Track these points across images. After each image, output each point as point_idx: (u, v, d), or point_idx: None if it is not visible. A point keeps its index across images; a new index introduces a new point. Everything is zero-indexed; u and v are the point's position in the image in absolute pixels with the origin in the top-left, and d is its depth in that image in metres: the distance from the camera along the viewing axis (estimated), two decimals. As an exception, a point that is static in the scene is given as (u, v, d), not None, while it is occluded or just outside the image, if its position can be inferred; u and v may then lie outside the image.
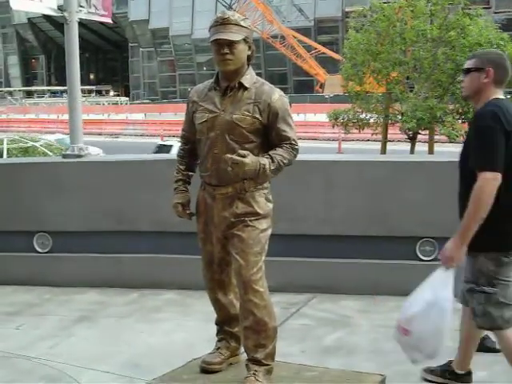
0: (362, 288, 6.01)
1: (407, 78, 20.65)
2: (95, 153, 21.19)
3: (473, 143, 3.65)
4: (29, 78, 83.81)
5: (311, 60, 54.51)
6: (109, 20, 8.53)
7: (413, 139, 20.65)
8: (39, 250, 6.83)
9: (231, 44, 3.64)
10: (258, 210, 3.77)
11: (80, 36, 7.36)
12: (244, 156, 3.55)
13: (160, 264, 6.48)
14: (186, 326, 5.50)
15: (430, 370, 4.24)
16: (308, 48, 54.92)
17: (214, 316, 4.16)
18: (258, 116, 3.70)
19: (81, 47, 7.40)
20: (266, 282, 3.79)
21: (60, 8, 7.11)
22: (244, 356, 3.96)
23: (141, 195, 6.44)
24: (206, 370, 3.99)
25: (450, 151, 12.96)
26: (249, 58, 3.78)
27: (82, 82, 8.24)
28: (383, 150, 21.78)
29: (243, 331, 3.83)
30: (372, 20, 20.70)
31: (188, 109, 3.96)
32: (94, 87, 76.27)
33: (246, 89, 3.74)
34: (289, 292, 6.01)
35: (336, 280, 6.09)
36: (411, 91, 20.45)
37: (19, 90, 78.27)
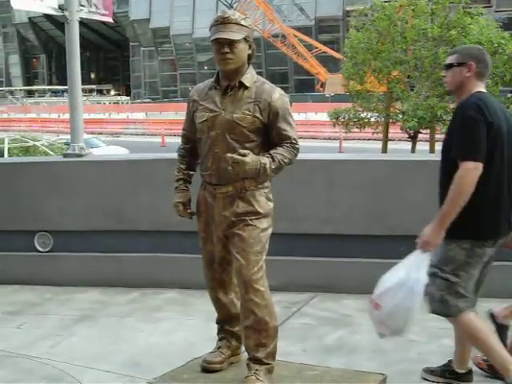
0: (364, 287, 5.96)
1: (408, 77, 20.66)
2: (121, 153, 21.14)
3: (455, 133, 3.73)
4: (30, 78, 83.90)
5: (312, 59, 54.55)
6: (110, 19, 8.52)
7: (414, 138, 20.68)
8: (40, 249, 6.83)
9: (231, 43, 3.64)
10: (259, 209, 3.76)
11: (81, 35, 7.35)
12: (244, 155, 3.55)
13: (161, 263, 6.48)
14: (186, 325, 5.49)
15: (430, 371, 4.23)
16: (309, 47, 54.97)
17: (215, 315, 4.16)
18: (258, 115, 3.70)
19: (82, 46, 7.40)
20: (266, 281, 3.79)
21: (61, 7, 7.10)
22: (245, 355, 3.96)
23: (141, 194, 6.44)
24: (207, 369, 3.99)
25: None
26: (249, 57, 3.78)
27: (83, 82, 8.24)
28: (384, 149, 21.80)
29: (244, 330, 3.83)
30: (373, 19, 20.71)
31: (188, 108, 3.96)
32: (94, 86, 76.33)
33: (246, 88, 3.74)
34: (290, 291, 6.01)
35: (337, 279, 6.08)
36: (412, 90, 20.46)
37: (20, 90, 78.38)
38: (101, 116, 50.68)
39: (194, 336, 5.11)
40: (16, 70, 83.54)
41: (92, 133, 35.50)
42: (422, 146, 21.49)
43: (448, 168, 3.73)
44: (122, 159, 7.36)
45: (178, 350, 4.74)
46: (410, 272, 3.71)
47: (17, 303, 6.20)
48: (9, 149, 18.93)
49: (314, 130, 36.41)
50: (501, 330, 4.29)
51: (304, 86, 57.69)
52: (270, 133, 3.74)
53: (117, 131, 44.29)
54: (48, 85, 79.47)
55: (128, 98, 70.40)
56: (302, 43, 54.63)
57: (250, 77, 3.77)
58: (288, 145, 3.73)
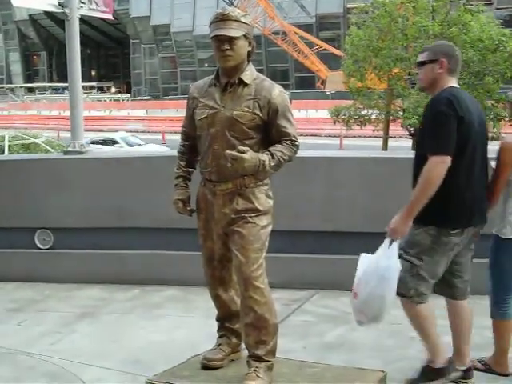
0: (364, 284, 6.00)
1: (409, 74, 20.66)
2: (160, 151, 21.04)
3: (426, 128, 3.83)
4: (30, 75, 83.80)
5: (313, 56, 54.49)
6: (110, 16, 8.53)
7: (414, 135, 20.66)
8: (40, 246, 6.84)
9: (231, 40, 3.64)
10: (259, 207, 3.76)
11: (81, 32, 7.36)
12: (243, 152, 3.55)
13: (161, 260, 6.49)
14: (187, 322, 5.50)
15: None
16: (310, 44, 54.89)
17: (215, 312, 4.16)
18: (258, 112, 3.69)
19: (82, 43, 7.40)
20: (266, 278, 3.79)
21: (61, 4, 7.10)
22: (245, 352, 3.96)
23: (142, 192, 6.44)
24: (207, 366, 3.99)
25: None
26: (249, 54, 3.77)
27: (84, 79, 8.25)
28: (385, 147, 21.82)
29: (244, 328, 3.83)
30: (374, 16, 20.73)
31: (188, 105, 3.96)
32: (95, 84, 76.20)
33: (246, 85, 3.73)
34: (290, 288, 6.01)
35: (338, 276, 6.07)
36: (413, 87, 20.46)
37: (20, 87, 78.34)
38: (101, 113, 50.65)
39: (194, 333, 5.12)
40: (16, 68, 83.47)
41: (92, 130, 35.52)
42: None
43: (420, 161, 3.82)
44: (123, 156, 7.36)
45: (178, 347, 4.74)
46: (380, 260, 3.83)
47: (17, 300, 6.21)
48: (9, 146, 18.92)
49: (315, 128, 36.37)
50: None
51: (305, 84, 57.63)
52: (269, 130, 3.74)
53: (117, 128, 44.25)
54: (48, 82, 79.38)
55: (128, 95, 70.35)
56: (302, 40, 54.56)
57: (249, 74, 3.76)
58: (287, 142, 3.73)
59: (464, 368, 4.12)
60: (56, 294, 6.38)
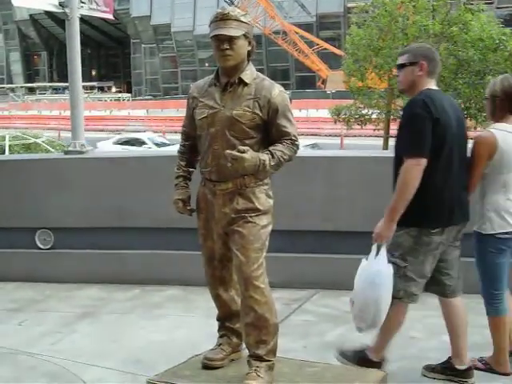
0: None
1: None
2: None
3: (402, 130, 3.91)
4: (31, 75, 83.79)
5: (313, 56, 54.46)
6: (110, 16, 8.53)
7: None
8: (41, 246, 6.84)
9: (231, 40, 3.63)
10: (259, 206, 3.76)
11: (81, 32, 7.36)
12: (244, 152, 3.55)
13: (162, 260, 6.49)
14: (187, 321, 5.50)
15: (430, 368, 4.25)
16: (310, 44, 54.86)
17: (216, 312, 4.16)
18: (258, 112, 3.69)
19: (82, 43, 7.41)
20: (266, 278, 3.79)
21: (61, 4, 7.10)
22: (246, 352, 3.95)
23: (142, 191, 6.44)
24: (208, 366, 3.98)
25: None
26: (249, 53, 3.76)
27: (84, 79, 8.25)
28: (385, 146, 21.79)
29: (244, 327, 3.83)
30: (374, 15, 20.72)
31: (188, 105, 3.95)
32: (95, 83, 76.21)
33: (246, 84, 3.73)
34: (291, 288, 6.01)
35: (338, 276, 6.07)
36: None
37: (21, 87, 78.34)
38: (102, 113, 50.66)
39: (194, 333, 5.12)
40: (17, 68, 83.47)
41: (93, 130, 35.52)
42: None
43: (398, 164, 3.88)
44: (123, 156, 7.37)
45: (178, 347, 4.75)
46: (371, 266, 3.90)
47: (18, 300, 6.21)
48: (10, 146, 18.92)
49: (316, 127, 36.36)
50: None
51: (305, 83, 57.61)
52: (269, 129, 3.73)
53: (118, 128, 44.26)
54: (49, 82, 79.39)
55: (129, 95, 70.33)
56: (303, 40, 54.53)
57: (249, 73, 3.76)
58: (288, 141, 3.72)
59: (464, 367, 4.13)
60: (56, 293, 6.38)
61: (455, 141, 3.90)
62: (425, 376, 4.23)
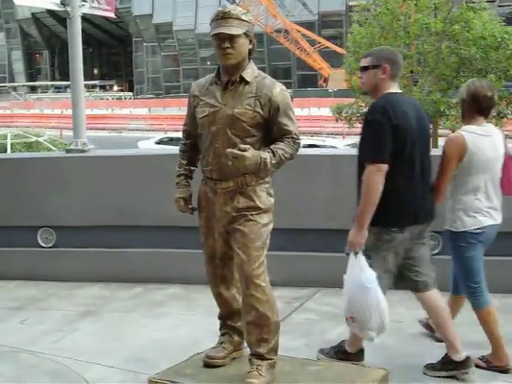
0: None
1: (411, 71, 20.60)
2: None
3: (363, 136, 4.00)
4: (32, 73, 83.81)
5: (315, 54, 54.44)
6: (112, 14, 8.54)
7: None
8: (43, 244, 6.85)
9: (232, 38, 3.63)
10: (260, 205, 3.76)
11: (83, 31, 7.36)
12: (245, 150, 3.55)
13: (163, 258, 6.49)
14: (189, 320, 5.51)
15: (431, 367, 4.26)
16: (312, 42, 54.84)
17: (218, 310, 4.17)
18: (259, 110, 3.69)
19: (84, 42, 7.41)
20: (268, 276, 3.79)
21: (63, 3, 7.11)
22: (247, 350, 3.96)
23: (144, 190, 6.44)
24: (210, 364, 3.99)
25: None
26: (250, 51, 3.76)
27: (86, 77, 8.25)
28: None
29: (246, 326, 3.83)
30: (375, 14, 20.67)
31: (189, 103, 3.95)
32: (97, 82, 76.25)
33: (247, 83, 3.73)
34: (292, 286, 6.01)
35: (340, 274, 6.03)
36: (415, 85, 20.41)
37: (23, 85, 78.33)
38: (104, 112, 50.66)
39: (196, 331, 5.12)
40: (19, 66, 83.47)
41: (95, 129, 35.52)
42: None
43: (361, 169, 3.97)
44: (125, 154, 7.36)
45: (180, 345, 4.75)
46: (355, 276, 3.95)
47: (20, 299, 6.22)
48: (12, 144, 18.93)
49: (317, 125, 36.33)
50: None
51: (307, 81, 57.59)
52: (270, 128, 3.74)
53: (120, 127, 44.28)
54: (51, 80, 79.38)
55: (131, 93, 70.35)
56: (305, 38, 54.51)
57: (250, 72, 3.76)
58: (289, 139, 3.72)
59: (462, 358, 4.13)
60: (58, 292, 6.39)
61: (417, 144, 3.99)
62: (425, 374, 4.24)
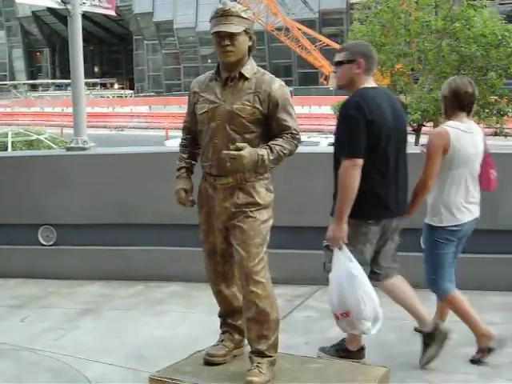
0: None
1: (412, 69, 20.62)
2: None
3: (338, 131, 4.03)
4: (33, 72, 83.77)
5: (316, 52, 54.33)
6: (112, 12, 8.54)
7: (417, 131, 20.64)
8: (44, 242, 6.85)
9: (232, 36, 3.63)
10: (259, 201, 3.76)
11: (84, 29, 7.36)
12: (241, 149, 3.55)
13: (164, 256, 6.49)
14: (190, 318, 5.51)
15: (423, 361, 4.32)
16: (313, 40, 54.72)
17: (218, 308, 4.17)
18: (258, 106, 3.69)
19: (85, 40, 7.41)
20: (268, 272, 3.79)
21: (63, 1, 7.10)
22: (248, 348, 3.96)
23: (145, 188, 6.45)
24: (210, 362, 3.99)
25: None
26: (250, 48, 3.77)
27: (87, 75, 8.26)
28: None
29: (246, 322, 3.84)
30: (376, 12, 20.67)
31: (189, 100, 3.96)
32: (98, 80, 76.18)
33: (246, 79, 3.73)
34: (293, 284, 6.01)
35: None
36: (416, 83, 20.43)
37: (24, 84, 78.34)
38: (104, 110, 50.67)
39: (197, 329, 5.12)
40: (19, 64, 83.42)
41: (96, 127, 35.53)
42: (426, 139, 21.44)
43: (337, 164, 4.02)
44: (126, 152, 7.37)
45: (181, 343, 4.75)
46: (343, 266, 3.97)
47: (20, 297, 6.22)
48: (12, 142, 18.95)
49: (318, 123, 36.34)
50: None
51: (308, 79, 57.54)
52: (270, 123, 3.73)
53: (121, 125, 44.30)
54: (51, 78, 79.35)
55: (132, 91, 70.30)
56: (305, 36, 54.42)
57: (250, 68, 3.76)
58: (288, 135, 3.72)
59: (430, 329, 4.21)
60: (59, 290, 6.39)
61: (392, 138, 4.02)
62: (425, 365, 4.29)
